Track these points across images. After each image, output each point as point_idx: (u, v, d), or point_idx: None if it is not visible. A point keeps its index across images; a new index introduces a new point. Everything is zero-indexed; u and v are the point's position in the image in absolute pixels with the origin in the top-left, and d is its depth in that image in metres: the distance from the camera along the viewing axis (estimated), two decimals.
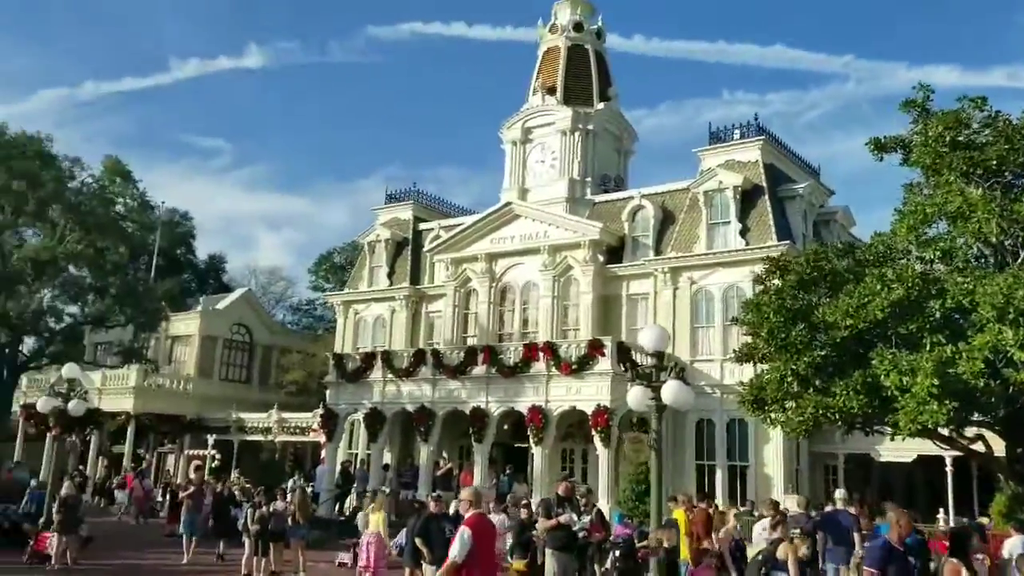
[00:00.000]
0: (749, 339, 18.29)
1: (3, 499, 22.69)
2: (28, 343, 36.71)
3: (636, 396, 13.80)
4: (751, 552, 12.48)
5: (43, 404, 20.55)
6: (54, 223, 34.31)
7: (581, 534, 13.25)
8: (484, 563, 8.53)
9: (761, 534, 12.79)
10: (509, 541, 18.89)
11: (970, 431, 17.01)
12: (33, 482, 25.10)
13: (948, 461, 23.34)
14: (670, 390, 13.06)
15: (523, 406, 25.81)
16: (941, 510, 22.64)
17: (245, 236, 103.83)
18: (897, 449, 23.82)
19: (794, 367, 16.23)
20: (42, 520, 19.50)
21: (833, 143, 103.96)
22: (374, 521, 16.34)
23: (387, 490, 22.43)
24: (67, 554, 18.48)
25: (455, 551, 8.38)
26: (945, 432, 16.60)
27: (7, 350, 34.91)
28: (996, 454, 17.44)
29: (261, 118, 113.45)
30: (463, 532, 8.50)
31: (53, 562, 18.25)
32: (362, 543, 16.44)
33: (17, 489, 24.83)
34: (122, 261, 34.83)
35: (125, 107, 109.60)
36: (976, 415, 16.08)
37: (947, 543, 11.04)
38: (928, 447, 22.68)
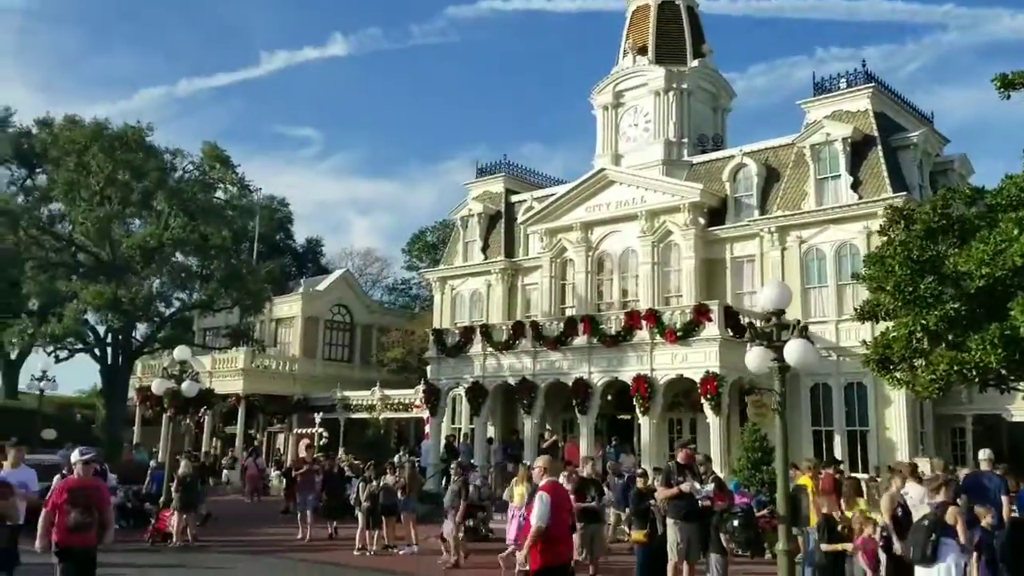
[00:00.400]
0: (871, 295, 17.21)
1: (126, 480, 23.43)
2: (140, 329, 38.00)
3: (756, 357, 13.03)
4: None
5: (157, 386, 21.03)
6: (159, 212, 35.22)
7: (704, 503, 12.65)
8: (560, 528, 8.68)
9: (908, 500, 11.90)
10: (612, 512, 18.52)
11: None
12: (153, 463, 25.93)
13: None
14: (794, 349, 12.27)
15: (627, 376, 25.21)
16: None
17: (338, 221, 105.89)
18: None
19: (924, 322, 15.19)
20: (162, 499, 20.02)
21: (935, 97, 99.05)
22: (519, 494, 15.98)
23: (525, 462, 22.18)
24: (187, 531, 18.92)
25: (537, 517, 8.46)
26: None
27: (120, 336, 36.18)
28: None
29: (348, 106, 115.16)
30: (542, 497, 8.57)
31: (174, 539, 18.71)
32: (508, 517, 16.18)
33: (138, 470, 25.69)
34: (226, 245, 35.59)
35: (219, 102, 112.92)
36: None
37: None
38: None
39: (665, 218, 29.02)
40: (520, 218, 34.11)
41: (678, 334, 24.14)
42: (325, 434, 36.38)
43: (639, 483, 14.41)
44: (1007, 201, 15.71)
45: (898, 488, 12.24)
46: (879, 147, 25.75)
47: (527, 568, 8.96)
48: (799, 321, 12.99)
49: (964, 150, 28.27)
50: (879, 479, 20.21)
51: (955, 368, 14.86)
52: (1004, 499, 12.03)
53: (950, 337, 15.15)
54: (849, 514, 13.88)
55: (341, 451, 32.96)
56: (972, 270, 14.42)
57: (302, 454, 25.87)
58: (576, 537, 13.92)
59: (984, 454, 12.87)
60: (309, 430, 37.19)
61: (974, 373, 14.88)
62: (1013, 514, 11.97)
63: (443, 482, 28.43)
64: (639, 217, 29.37)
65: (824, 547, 10.26)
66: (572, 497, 14.28)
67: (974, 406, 24.08)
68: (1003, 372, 15.66)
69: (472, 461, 27.00)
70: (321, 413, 38.27)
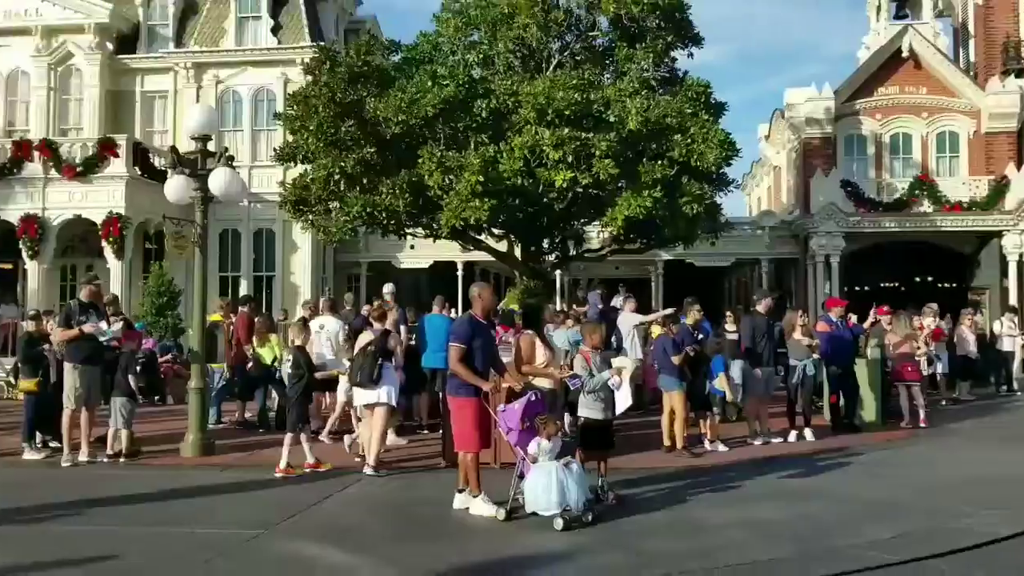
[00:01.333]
0: (293, 137, 17.14)
1: None
2: None
3: (176, 187, 12.00)
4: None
5: None
6: None
7: (112, 344, 11.42)
8: None
9: (321, 332, 12.22)
10: None
11: (497, 232, 18.22)
12: None
13: (460, 265, 25.34)
14: (220, 178, 11.54)
15: (12, 215, 21.91)
16: (454, 309, 24.56)
17: None
18: (416, 256, 25.45)
19: (342, 164, 15.63)
20: None
21: None
22: None
23: None
24: None
25: None
26: (476, 235, 17.54)
27: None
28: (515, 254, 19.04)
29: None
30: None
31: None
32: None
33: None
34: None
35: None
36: (503, 217, 17.07)
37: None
38: (442, 253, 24.43)
39: (66, 38, 25.43)
40: None
41: (79, 169, 21.57)
42: None
43: (30, 327, 12.50)
44: (422, 56, 16.80)
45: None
46: None
47: None
48: (226, 149, 12.27)
49: (374, 14, 29.73)
50: (285, 320, 20.87)
51: (367, 211, 15.68)
52: (403, 328, 13.20)
53: (365, 181, 15.86)
54: (261, 350, 14.05)
55: None
56: (390, 117, 15.14)
57: None
58: None
59: (388, 288, 14.01)
60: None
61: (384, 216, 15.86)
62: (411, 342, 13.22)
63: None
64: (33, 32, 25.35)
65: (319, 375, 10.56)
66: None
67: (369, 254, 26.32)
68: (404, 219, 16.99)
69: None
70: None
